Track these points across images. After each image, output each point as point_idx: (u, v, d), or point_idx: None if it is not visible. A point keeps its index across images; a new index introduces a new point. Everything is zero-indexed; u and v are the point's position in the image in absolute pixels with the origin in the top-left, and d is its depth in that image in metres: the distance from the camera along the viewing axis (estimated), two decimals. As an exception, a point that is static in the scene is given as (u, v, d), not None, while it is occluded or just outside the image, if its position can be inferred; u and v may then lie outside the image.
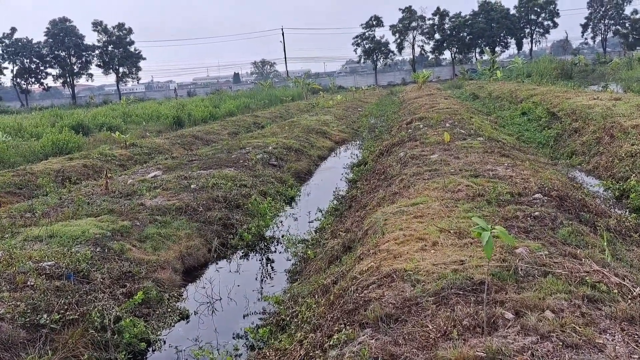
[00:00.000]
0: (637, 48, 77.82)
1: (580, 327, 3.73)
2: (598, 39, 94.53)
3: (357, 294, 4.97)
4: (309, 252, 7.27)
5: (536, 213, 6.66)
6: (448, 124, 15.90)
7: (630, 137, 12.35)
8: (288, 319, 5.80)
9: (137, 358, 5.92)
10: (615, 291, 4.41)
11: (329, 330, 4.65)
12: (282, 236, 9.60)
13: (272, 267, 8.41)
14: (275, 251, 9.17)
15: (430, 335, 3.95)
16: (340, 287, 5.46)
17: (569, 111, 17.68)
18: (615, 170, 11.36)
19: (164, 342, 6.17)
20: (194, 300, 7.26)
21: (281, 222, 10.27)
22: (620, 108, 15.83)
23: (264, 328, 5.86)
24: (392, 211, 7.38)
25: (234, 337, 6.15)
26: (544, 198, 7.47)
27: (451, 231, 6.13)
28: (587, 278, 4.61)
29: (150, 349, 6.08)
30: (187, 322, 6.75)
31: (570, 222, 6.61)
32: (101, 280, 6.87)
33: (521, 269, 4.83)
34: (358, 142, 21.47)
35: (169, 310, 6.83)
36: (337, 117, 28.41)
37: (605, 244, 5.61)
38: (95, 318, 5.98)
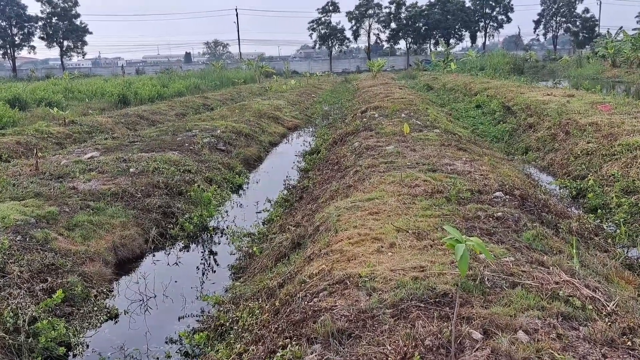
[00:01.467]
0: (586, 47, 79.90)
1: (558, 354, 3.28)
2: (549, 35, 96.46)
3: (306, 302, 4.42)
4: (255, 248, 6.68)
5: (499, 213, 6.26)
6: (404, 115, 15.50)
7: (586, 135, 12.21)
8: (228, 324, 5.20)
9: (54, 365, 5.21)
10: (590, 307, 4.00)
11: (272, 344, 4.08)
12: (227, 227, 8.95)
13: (214, 262, 7.77)
14: (218, 243, 8.53)
15: (389, 358, 3.43)
16: (287, 291, 4.90)
17: (523, 106, 17.58)
18: (571, 168, 11.17)
19: (87, 347, 5.48)
20: (125, 298, 6.56)
21: (227, 212, 9.62)
22: (574, 104, 15.79)
23: (201, 333, 5.25)
24: (346, 206, 6.85)
25: (167, 342, 5.51)
26: (505, 197, 7.09)
27: (409, 231, 5.64)
28: (559, 291, 4.19)
29: (71, 354, 5.37)
30: (116, 322, 6.06)
31: (533, 224, 6.23)
32: (18, 274, 6.08)
33: (487, 279, 4.37)
34: (311, 129, 20.89)
35: (96, 308, 6.11)
36: (291, 102, 27.72)
37: (574, 250, 5.22)
38: (8, 318, 5.25)
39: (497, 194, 7.21)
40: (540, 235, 5.82)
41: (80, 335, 5.57)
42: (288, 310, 4.46)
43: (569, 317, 3.84)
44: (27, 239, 6.98)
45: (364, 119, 15.90)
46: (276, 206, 9.76)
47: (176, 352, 5.31)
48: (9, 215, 7.46)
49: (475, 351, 3.43)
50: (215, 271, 7.45)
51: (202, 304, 6.19)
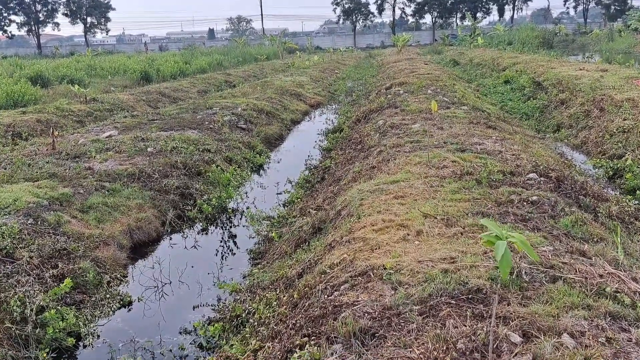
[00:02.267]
0: (618, 20, 77.28)
1: (611, 364, 2.90)
2: (579, 8, 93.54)
3: (326, 296, 4.08)
4: (274, 234, 6.36)
5: (534, 197, 5.82)
6: (430, 91, 14.97)
7: (622, 112, 11.58)
8: (244, 315, 4.91)
9: (63, 356, 4.98)
10: (640, 304, 3.59)
11: (289, 342, 3.76)
12: (247, 209, 8.66)
13: (232, 246, 7.49)
14: (237, 226, 8.25)
15: (417, 364, 3.09)
16: (306, 282, 4.57)
17: (554, 81, 16.87)
18: (607, 147, 10.60)
19: (98, 337, 5.23)
20: (139, 284, 6.31)
21: (246, 193, 9.31)
22: (608, 79, 15.06)
23: (216, 324, 4.96)
24: (369, 189, 6.48)
25: (180, 332, 5.24)
26: (539, 179, 6.64)
27: (438, 217, 5.26)
28: (605, 286, 3.79)
29: (80, 345, 5.14)
30: (129, 310, 5.82)
31: (571, 208, 5.79)
32: (28, 259, 5.86)
33: (525, 272, 3.98)
34: (334, 107, 20.43)
35: (108, 296, 5.88)
36: (313, 78, 27.23)
37: (617, 238, 4.79)
38: (15, 307, 5.03)
39: (531, 175, 6.76)
40: (579, 221, 5.37)
41: (91, 325, 5.34)
42: (307, 304, 4.14)
43: (618, 316, 3.45)
44: (39, 222, 6.75)
45: (389, 96, 15.41)
46: (297, 187, 9.42)
47: (190, 343, 5.04)
48: (21, 198, 7.25)
49: (514, 356, 3.07)
50: (233, 255, 7.17)
51: (218, 292, 5.90)
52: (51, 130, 10.76)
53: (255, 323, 4.51)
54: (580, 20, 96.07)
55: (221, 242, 7.63)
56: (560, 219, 5.40)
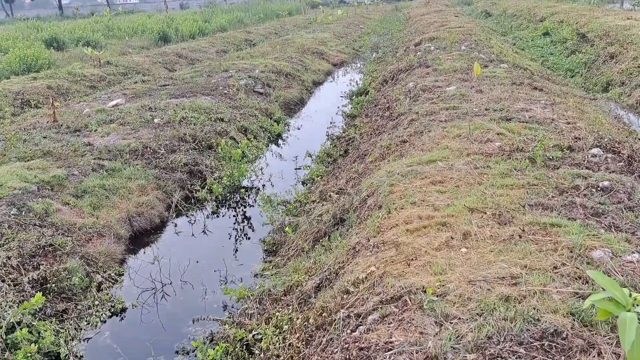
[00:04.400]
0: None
1: None
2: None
3: (349, 332, 3.15)
4: (288, 228, 5.44)
5: (604, 182, 4.74)
6: (464, 47, 13.66)
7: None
8: (251, 336, 4.02)
9: (38, 384, 4.19)
10: None
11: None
12: (261, 189, 7.77)
13: (243, 234, 6.60)
14: (251, 206, 7.37)
15: None
16: (324, 304, 3.64)
17: (601, 33, 15.34)
18: (668, 108, 9.35)
19: (79, 359, 4.41)
20: (135, 286, 5.48)
21: (262, 169, 8.37)
22: (663, 30, 13.57)
23: (218, 347, 4.06)
24: (400, 171, 5.47)
25: (178, 352, 4.41)
26: (605, 155, 5.54)
27: (487, 212, 4.25)
28: None
29: (58, 369, 4.34)
30: (122, 319, 5.00)
31: (651, 195, 4.71)
32: (5, 261, 5.04)
33: (614, 301, 2.97)
34: (359, 65, 19.18)
35: (97, 302, 5.06)
36: (337, 34, 25.83)
37: None
38: (-19, 326, 4.23)
39: (594, 150, 5.66)
40: (664, 214, 4.32)
41: (74, 343, 4.52)
42: (324, 340, 3.22)
43: None
44: (24, 212, 5.93)
45: (418, 53, 14.15)
46: (317, 162, 8.44)
47: (187, 367, 4.21)
48: (6, 183, 6.43)
49: None
50: (244, 246, 6.28)
51: (224, 297, 5.03)
52: (51, 101, 9.90)
53: (262, 355, 3.62)
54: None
55: (231, 229, 6.75)
56: (640, 211, 4.35)
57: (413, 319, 3.03)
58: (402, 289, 3.29)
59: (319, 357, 3.08)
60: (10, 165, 7.21)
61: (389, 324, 3.07)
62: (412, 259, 3.64)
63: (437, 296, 3.15)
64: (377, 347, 2.89)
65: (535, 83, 9.51)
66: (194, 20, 33.13)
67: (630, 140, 6.52)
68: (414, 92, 9.47)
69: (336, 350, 3.04)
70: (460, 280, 3.27)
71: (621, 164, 5.35)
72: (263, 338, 3.76)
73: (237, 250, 6.17)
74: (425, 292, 3.20)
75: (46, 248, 5.45)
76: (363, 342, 2.97)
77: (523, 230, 3.89)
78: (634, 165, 5.40)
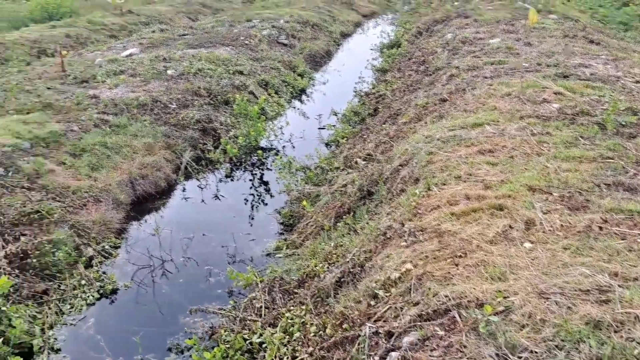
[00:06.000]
0: None
1: None
2: None
3: (377, 357, 2.39)
4: (305, 202, 4.67)
5: (697, 158, 3.85)
6: (507, -4, 12.47)
7: None
8: (256, 339, 3.30)
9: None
10: None
11: None
12: (283, 147, 7.01)
13: (258, 203, 5.85)
14: (270, 170, 6.60)
15: None
16: (345, 310, 2.88)
17: (659, -17, 13.92)
18: None
19: (56, 353, 3.75)
20: (130, 262, 4.79)
21: (281, 127, 7.57)
22: None
23: (217, 349, 3.36)
24: (440, 136, 4.62)
25: (170, 350, 3.72)
26: (690, 123, 4.61)
27: (554, 193, 3.41)
28: None
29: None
30: (112, 302, 4.32)
31: None
32: (-19, 231, 4.39)
33: None
34: (390, 16, 17.99)
35: (84, 282, 4.38)
36: (368, -16, 24.46)
37: None
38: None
39: (675, 116, 4.72)
40: None
41: (51, 332, 3.85)
42: (344, 364, 2.47)
43: None
44: (11, 173, 5.26)
45: (456, 3, 13.01)
46: (343, 121, 7.59)
47: (178, 367, 3.53)
48: (-6, 139, 5.74)
49: None
50: (258, 218, 5.53)
51: (229, 282, 4.30)
52: (59, 51, 9.16)
53: (267, 368, 2.90)
54: None
55: (245, 195, 6.00)
56: None
57: (465, 347, 2.25)
58: (449, 300, 2.51)
59: (338, 388, 2.34)
60: (6, 119, 6.52)
61: (431, 350, 2.29)
62: (461, 256, 2.84)
63: (497, 314, 2.36)
64: (416, 385, 2.13)
65: (590, 36, 8.43)
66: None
67: None
68: (452, 45, 8.48)
69: (360, 381, 2.29)
70: (528, 290, 2.47)
71: None
72: (268, 347, 3.02)
73: (249, 221, 5.43)
74: (481, 306, 2.41)
75: (31, 215, 4.77)
76: (397, 376, 2.21)
77: (603, 219, 3.04)
78: None
